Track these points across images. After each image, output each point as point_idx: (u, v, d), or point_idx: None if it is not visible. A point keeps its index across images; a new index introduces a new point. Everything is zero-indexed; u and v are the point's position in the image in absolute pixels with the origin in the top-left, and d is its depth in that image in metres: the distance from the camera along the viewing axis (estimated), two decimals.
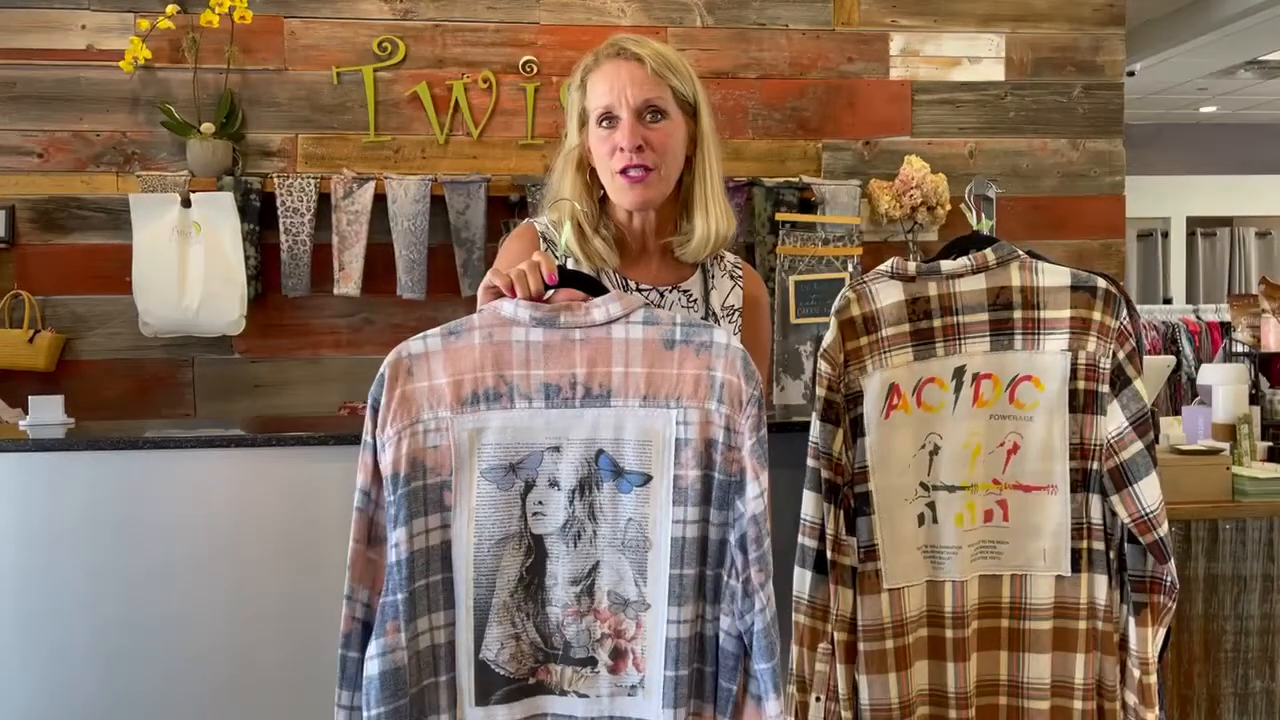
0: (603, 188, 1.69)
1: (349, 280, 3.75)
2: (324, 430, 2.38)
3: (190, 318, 3.62)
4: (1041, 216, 4.24)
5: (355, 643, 1.43)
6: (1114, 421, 1.83)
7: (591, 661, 1.43)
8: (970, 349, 1.86)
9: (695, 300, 1.75)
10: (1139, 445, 1.81)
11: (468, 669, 1.42)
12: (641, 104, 1.63)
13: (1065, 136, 4.28)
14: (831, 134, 4.15)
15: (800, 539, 1.82)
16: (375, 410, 1.44)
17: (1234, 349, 5.82)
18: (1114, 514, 1.84)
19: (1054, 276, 1.85)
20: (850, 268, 3.79)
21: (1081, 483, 1.85)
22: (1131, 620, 1.83)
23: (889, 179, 4.00)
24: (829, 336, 1.84)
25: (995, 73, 4.24)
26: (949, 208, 3.95)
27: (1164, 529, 1.81)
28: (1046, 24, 4.25)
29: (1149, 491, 1.81)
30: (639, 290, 1.70)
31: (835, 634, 1.81)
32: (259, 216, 3.75)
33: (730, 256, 1.84)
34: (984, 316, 1.86)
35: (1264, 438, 3.16)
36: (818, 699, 1.80)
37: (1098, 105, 4.29)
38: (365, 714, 1.38)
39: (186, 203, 3.64)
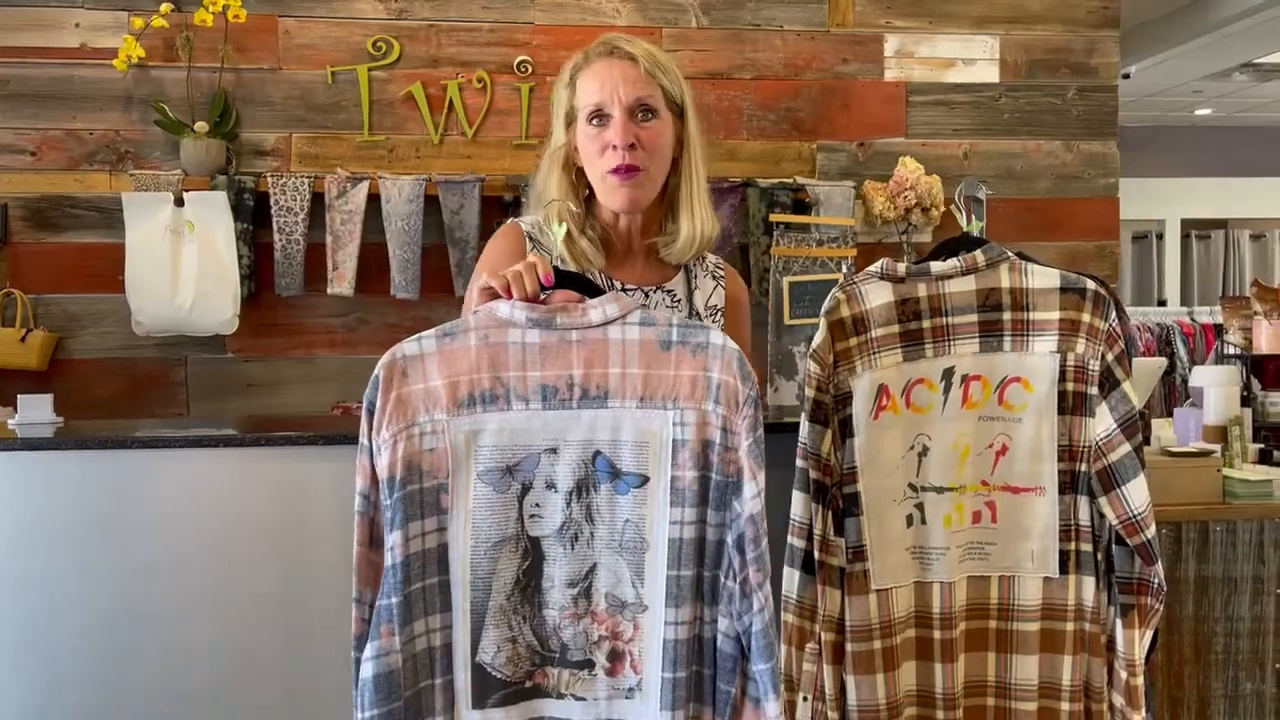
0: (589, 188, 1.69)
1: (343, 280, 3.75)
2: (315, 430, 2.38)
3: (183, 317, 3.62)
4: (1035, 218, 4.24)
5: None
6: (1103, 423, 1.83)
7: (589, 664, 1.43)
8: (959, 350, 1.86)
9: (679, 300, 1.75)
10: (1127, 447, 1.82)
11: (464, 672, 1.41)
12: (634, 102, 1.62)
13: (1059, 138, 4.28)
14: (826, 135, 4.15)
15: (789, 539, 1.82)
16: (370, 413, 1.43)
17: (1226, 351, 5.83)
18: (1102, 516, 1.84)
19: (1043, 278, 1.85)
20: (844, 269, 3.79)
21: (1070, 484, 1.85)
22: (1119, 622, 1.84)
23: (883, 180, 4.00)
24: (818, 337, 1.84)
25: (990, 74, 4.24)
26: (943, 209, 3.96)
27: (1152, 531, 1.81)
28: (1041, 26, 4.26)
29: (1137, 493, 1.81)
30: (624, 291, 1.70)
31: (823, 634, 1.81)
32: (253, 216, 3.75)
33: (712, 257, 1.85)
34: (973, 318, 1.86)
35: (1255, 440, 3.16)
36: (805, 699, 1.81)
37: (1092, 107, 4.30)
38: (358, 715, 1.38)
39: (180, 202, 3.64)
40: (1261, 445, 3.18)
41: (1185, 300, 8.79)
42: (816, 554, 1.80)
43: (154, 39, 3.74)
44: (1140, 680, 1.82)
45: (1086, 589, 1.84)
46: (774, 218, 3.87)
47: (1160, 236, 9.25)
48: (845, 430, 1.83)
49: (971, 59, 4.23)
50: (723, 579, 1.39)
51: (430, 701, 1.40)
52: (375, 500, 1.43)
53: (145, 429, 2.59)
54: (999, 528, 1.87)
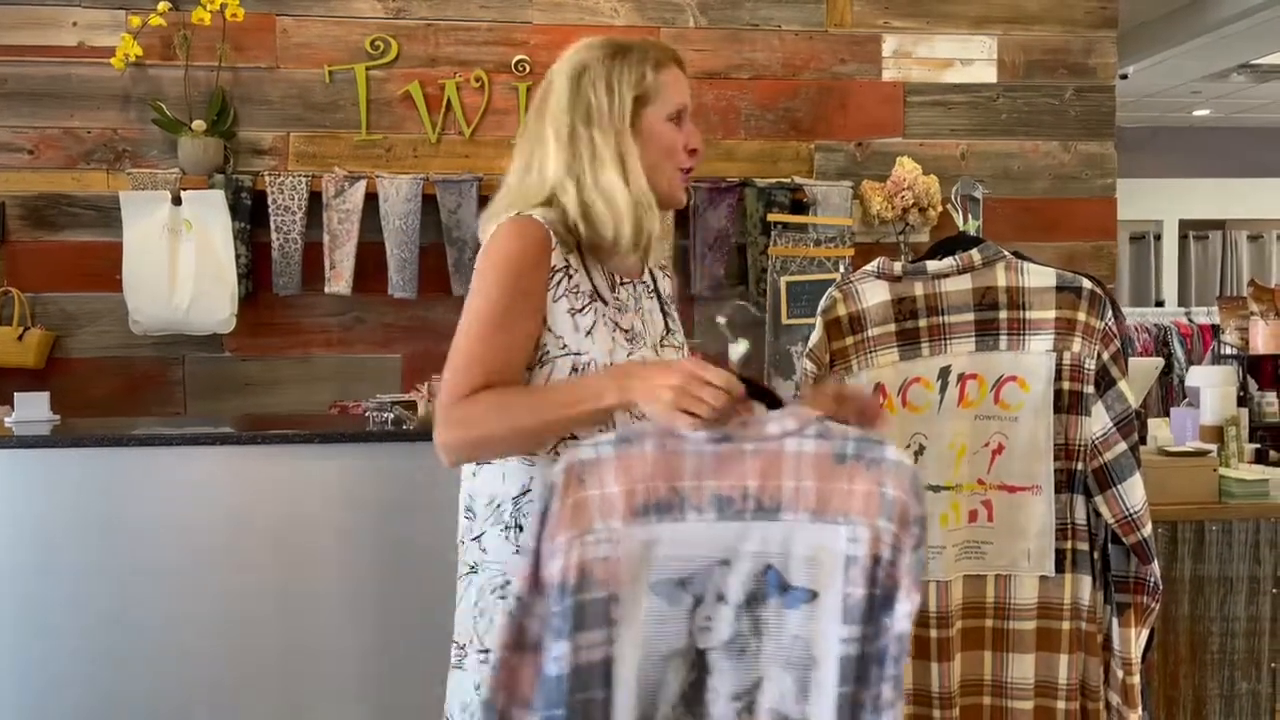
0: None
1: (340, 279, 3.75)
2: (312, 429, 2.38)
3: (181, 316, 3.61)
4: (1033, 219, 4.24)
5: None
6: (1099, 422, 1.83)
7: None
8: (956, 349, 1.86)
9: (654, 292, 1.72)
10: (1123, 446, 1.82)
11: None
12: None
13: (1057, 139, 4.29)
14: (824, 135, 4.16)
15: None
16: (544, 517, 1.38)
17: (1222, 351, 5.84)
18: (1098, 515, 1.85)
19: (1039, 277, 1.85)
20: (842, 269, 3.80)
21: (1066, 483, 1.86)
22: (1115, 621, 1.84)
23: (881, 180, 4.00)
24: (814, 336, 1.85)
25: (987, 75, 4.25)
26: (940, 209, 3.96)
27: (1147, 530, 1.82)
28: (1039, 26, 4.26)
29: (1133, 492, 1.82)
30: (621, 285, 1.67)
31: None
32: (250, 215, 3.75)
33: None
34: (969, 317, 1.86)
35: (1251, 440, 3.17)
36: None
37: (1090, 108, 4.30)
38: None
39: (177, 200, 3.63)
40: (1258, 445, 3.18)
41: (1182, 301, 8.79)
42: None
43: (151, 38, 3.74)
44: (1136, 679, 1.82)
45: (1083, 588, 1.85)
46: (771, 217, 3.88)
47: (1158, 237, 9.26)
48: None
49: (969, 59, 4.23)
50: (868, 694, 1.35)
51: None
52: (531, 606, 1.38)
53: (142, 428, 2.60)
54: (995, 527, 1.87)
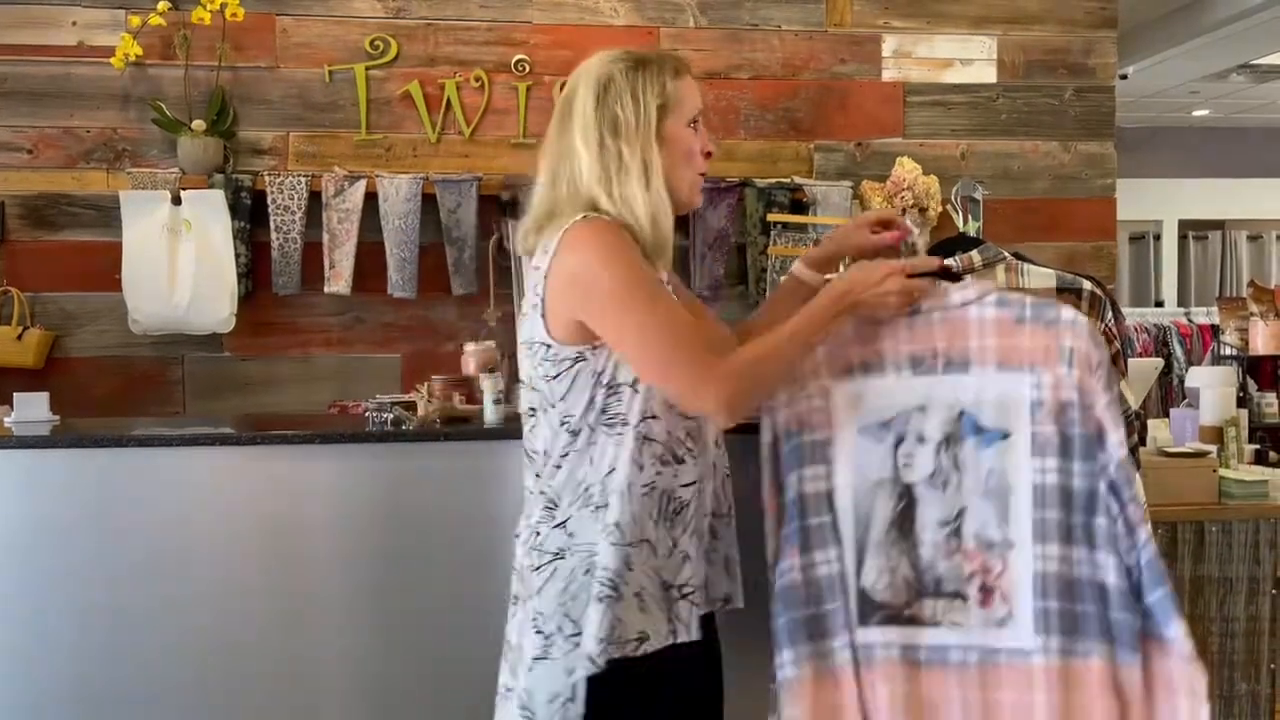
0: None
1: (339, 279, 3.74)
2: (312, 429, 2.38)
3: (180, 315, 3.61)
4: (1033, 219, 4.24)
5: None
6: None
7: (961, 596, 1.61)
8: None
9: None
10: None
11: (851, 596, 1.65)
12: None
13: (1057, 139, 4.29)
14: (823, 135, 4.15)
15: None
16: None
17: (1222, 352, 5.84)
18: None
19: (1040, 279, 1.85)
20: (841, 268, 3.79)
21: None
22: None
23: (881, 180, 4.00)
24: None
25: (987, 75, 4.25)
26: (940, 209, 3.96)
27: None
28: (1038, 26, 4.26)
29: None
30: None
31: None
32: (250, 214, 3.75)
33: None
34: None
35: (1251, 440, 3.17)
36: None
37: (1089, 108, 4.30)
38: (773, 622, 1.66)
39: (177, 200, 3.63)
40: (1257, 446, 3.19)
41: (1182, 301, 8.79)
42: None
43: (151, 37, 3.74)
44: None
45: None
46: (771, 217, 3.88)
47: (1157, 237, 9.26)
48: None
49: (969, 59, 4.23)
50: (1102, 522, 1.57)
51: (826, 624, 1.65)
52: (776, 449, 1.70)
53: (142, 427, 2.59)
54: None
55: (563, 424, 1.60)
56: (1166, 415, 3.45)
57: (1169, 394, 6.20)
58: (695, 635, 1.61)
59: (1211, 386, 3.02)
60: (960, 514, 1.61)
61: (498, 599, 2.29)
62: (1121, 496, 1.56)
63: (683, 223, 3.90)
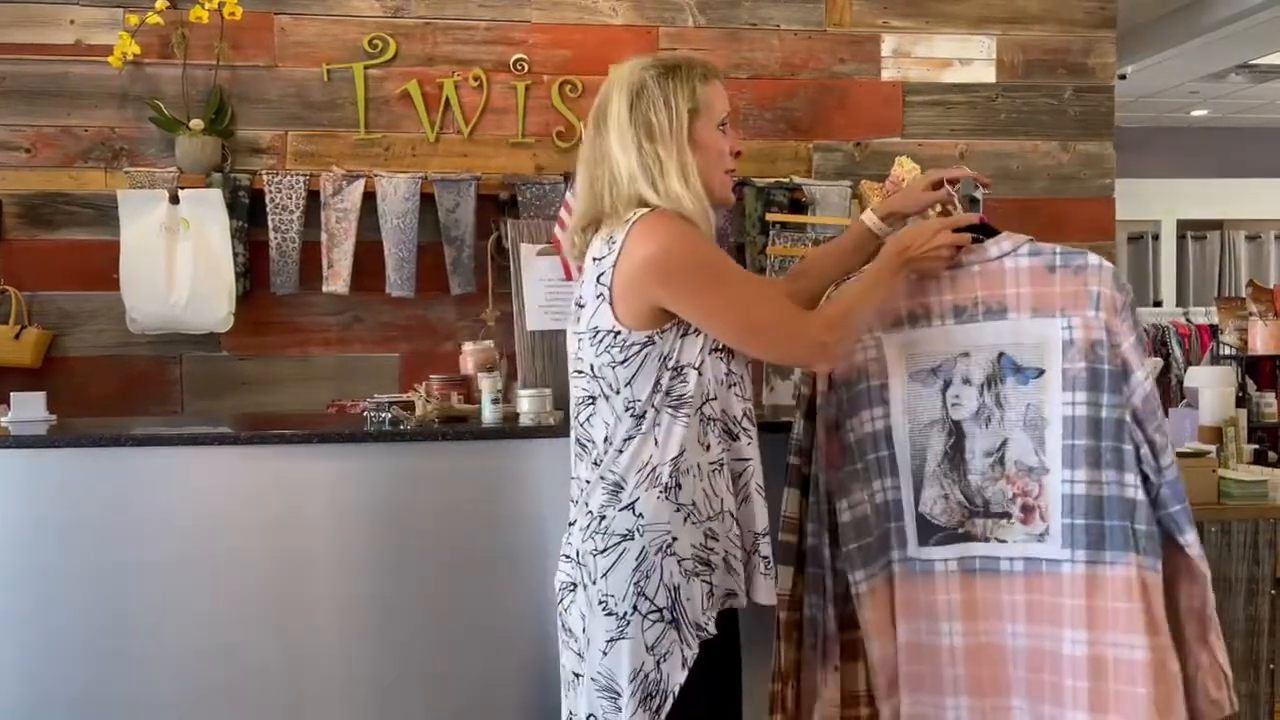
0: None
1: (338, 278, 3.74)
2: (311, 429, 2.37)
3: (178, 315, 3.61)
4: (1031, 218, 4.23)
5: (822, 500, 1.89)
6: None
7: (1006, 515, 1.82)
8: None
9: None
10: None
11: (911, 520, 1.86)
12: None
13: (1056, 139, 4.28)
14: (823, 135, 4.15)
15: (781, 535, 1.91)
16: None
17: (1221, 352, 5.84)
18: None
19: None
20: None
21: None
22: None
23: (880, 180, 3.99)
24: None
25: (986, 75, 4.24)
26: (939, 209, 3.95)
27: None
28: (1038, 26, 4.26)
29: None
30: None
31: None
32: (248, 213, 3.74)
33: None
34: None
35: (1250, 440, 3.17)
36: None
37: (1088, 108, 4.30)
38: (844, 548, 1.86)
39: (175, 199, 3.63)
40: (1256, 446, 3.18)
41: (1180, 301, 8.80)
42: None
43: (149, 36, 3.73)
44: None
45: None
46: (770, 217, 3.86)
47: (1156, 237, 9.26)
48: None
49: (968, 59, 4.23)
50: (1127, 448, 1.75)
51: (890, 540, 1.87)
52: (830, 399, 1.90)
53: (139, 427, 2.59)
54: None
55: (627, 409, 1.67)
56: (1166, 415, 3.45)
57: (1167, 394, 6.20)
58: (771, 599, 1.75)
59: (1211, 386, 3.01)
60: (1003, 445, 1.81)
61: (496, 597, 2.29)
62: (1146, 426, 1.75)
63: None
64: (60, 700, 2.19)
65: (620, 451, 1.67)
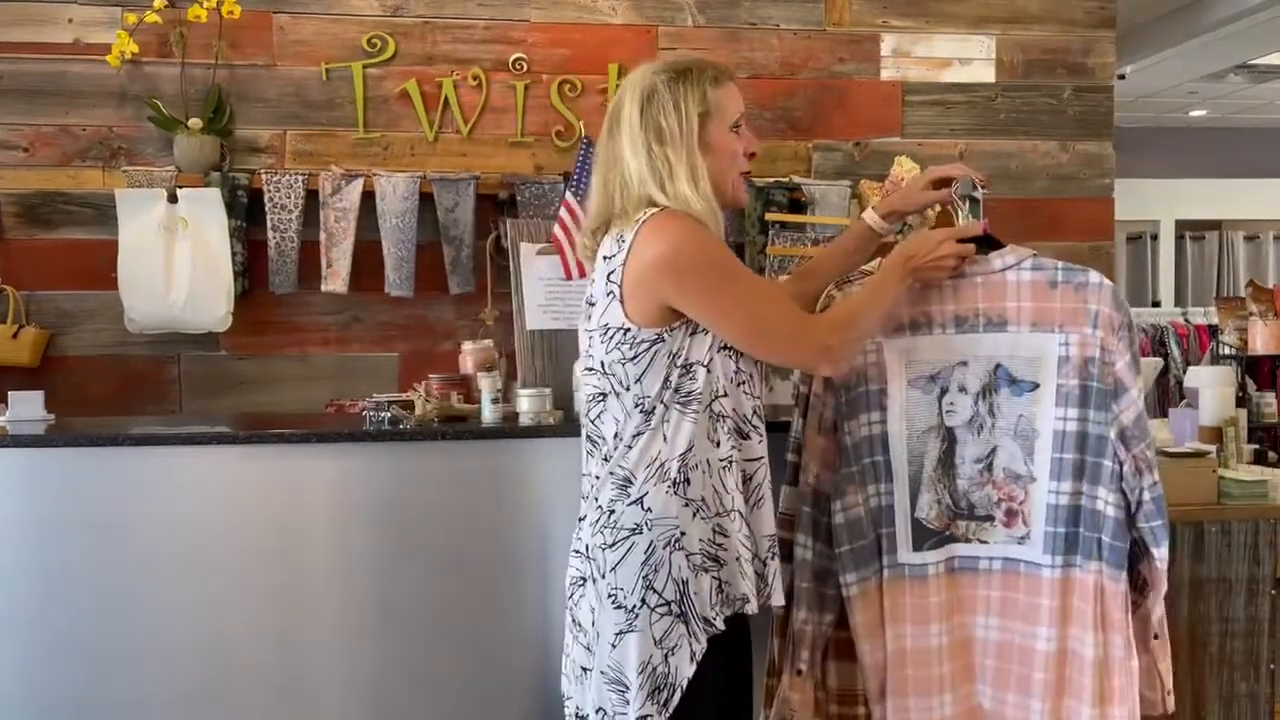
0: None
1: (336, 277, 3.73)
2: (309, 428, 2.37)
3: (176, 314, 3.60)
4: (1031, 218, 4.24)
5: (809, 502, 1.91)
6: None
7: (990, 518, 1.87)
8: None
9: None
10: None
11: (904, 525, 1.88)
12: None
13: (1055, 139, 4.28)
14: (822, 134, 4.15)
15: (778, 532, 1.85)
16: None
17: (1221, 352, 5.84)
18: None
19: None
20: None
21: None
22: None
23: (879, 180, 4.00)
24: None
25: (986, 74, 4.24)
26: (938, 209, 3.95)
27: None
28: (1037, 26, 4.26)
29: None
30: None
31: None
32: (246, 213, 3.73)
33: None
34: None
35: (1250, 440, 3.16)
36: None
37: (1088, 108, 4.30)
38: (837, 550, 1.87)
39: (173, 198, 3.62)
40: (1256, 446, 3.18)
41: (1179, 301, 8.79)
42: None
43: (148, 35, 3.72)
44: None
45: None
46: (770, 217, 3.86)
47: (1155, 237, 9.26)
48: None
49: (968, 59, 4.23)
50: (1109, 464, 1.79)
51: (881, 545, 1.88)
52: (824, 399, 1.90)
53: (138, 426, 2.58)
54: None
55: (637, 405, 1.68)
56: (1164, 415, 3.45)
57: (1166, 394, 6.20)
58: (781, 600, 1.77)
59: (1211, 386, 3.01)
60: (992, 452, 1.85)
61: (495, 596, 2.28)
62: (1133, 445, 1.79)
63: None
64: (60, 699, 2.19)
65: (630, 447, 1.68)
